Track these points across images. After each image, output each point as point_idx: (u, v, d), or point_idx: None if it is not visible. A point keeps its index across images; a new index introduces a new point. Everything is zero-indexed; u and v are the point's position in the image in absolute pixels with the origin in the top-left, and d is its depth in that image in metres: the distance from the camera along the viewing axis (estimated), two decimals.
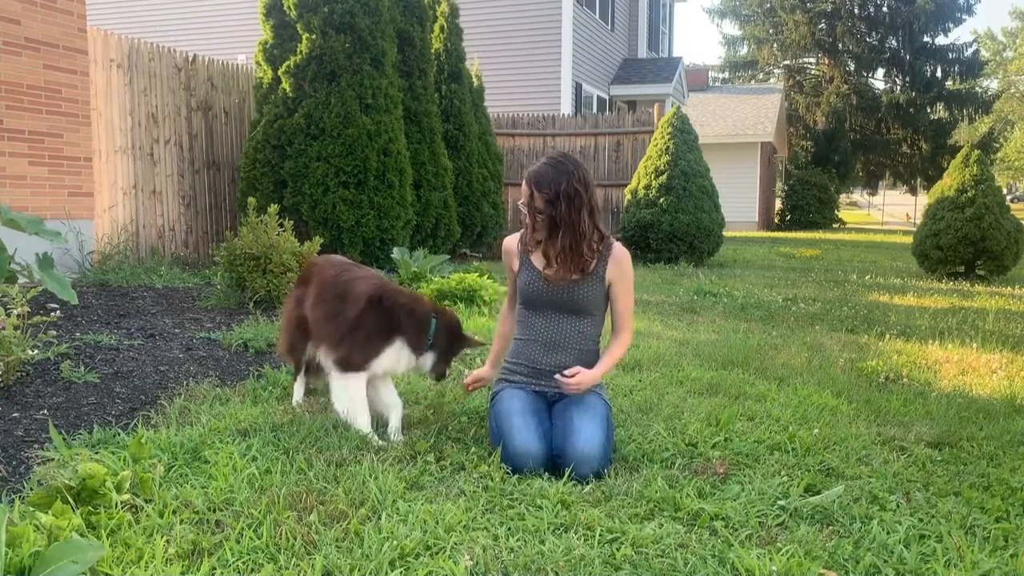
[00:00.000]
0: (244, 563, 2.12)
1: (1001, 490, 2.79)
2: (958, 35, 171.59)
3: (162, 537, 2.20)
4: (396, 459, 2.91)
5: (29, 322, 3.79)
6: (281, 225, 5.98)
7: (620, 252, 3.08)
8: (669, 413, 3.62)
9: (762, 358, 4.94)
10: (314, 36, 8.00)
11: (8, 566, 1.89)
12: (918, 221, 12.00)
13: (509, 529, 2.37)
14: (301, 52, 8.05)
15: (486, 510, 2.50)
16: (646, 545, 2.28)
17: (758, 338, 5.64)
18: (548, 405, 3.10)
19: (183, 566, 2.08)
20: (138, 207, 7.92)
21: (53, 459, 2.72)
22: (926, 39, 31.59)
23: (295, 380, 3.62)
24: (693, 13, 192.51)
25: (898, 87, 32.96)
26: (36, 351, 3.89)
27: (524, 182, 2.95)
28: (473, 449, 3.04)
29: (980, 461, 3.12)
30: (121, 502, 2.37)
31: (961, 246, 9.90)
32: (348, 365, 3.12)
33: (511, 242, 3.22)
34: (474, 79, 11.80)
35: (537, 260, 3.12)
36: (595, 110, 18.95)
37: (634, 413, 3.62)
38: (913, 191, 35.58)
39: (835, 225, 27.63)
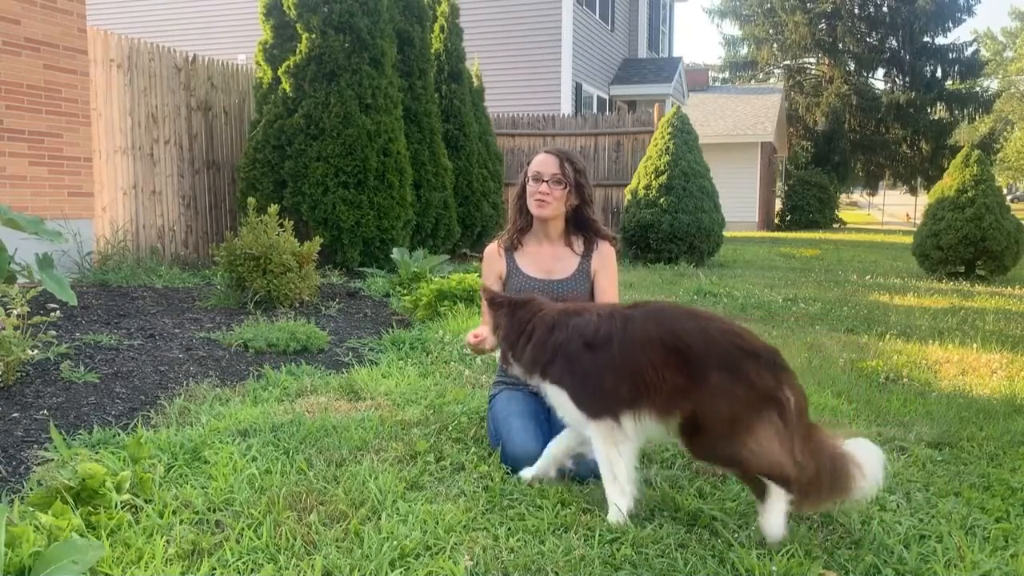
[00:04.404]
0: (244, 563, 2.12)
1: (1001, 490, 2.78)
2: (958, 35, 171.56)
3: (162, 537, 2.20)
4: (396, 459, 2.91)
5: (29, 322, 3.79)
6: (281, 225, 5.98)
7: (605, 245, 3.20)
8: None
9: None
10: (313, 36, 8.00)
11: (8, 566, 1.89)
12: (918, 221, 11.99)
13: (509, 529, 2.37)
14: (301, 52, 8.05)
15: (486, 510, 2.50)
16: (646, 545, 2.28)
17: None
18: (546, 406, 3.10)
19: (183, 566, 2.08)
20: (138, 207, 7.92)
21: (53, 459, 2.72)
22: (926, 39, 31.60)
23: None
24: (693, 13, 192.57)
25: (898, 87, 32.96)
26: (36, 351, 3.89)
27: (553, 157, 3.07)
28: (473, 449, 3.04)
29: (980, 461, 3.12)
30: (121, 502, 2.36)
31: (961, 246, 9.90)
32: None
33: (494, 249, 3.24)
34: (474, 79, 11.80)
35: (526, 263, 3.14)
36: (595, 110, 18.94)
37: None
38: (913, 191, 35.54)
39: (835, 225, 27.62)
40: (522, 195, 3.13)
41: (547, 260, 3.15)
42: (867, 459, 2.33)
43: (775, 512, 2.30)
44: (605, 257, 3.17)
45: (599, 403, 2.48)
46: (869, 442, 2.39)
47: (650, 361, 2.38)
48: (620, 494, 2.47)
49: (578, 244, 3.16)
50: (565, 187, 3.05)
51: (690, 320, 2.43)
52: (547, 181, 3.02)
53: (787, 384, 2.32)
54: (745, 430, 2.27)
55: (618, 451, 2.48)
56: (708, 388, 2.31)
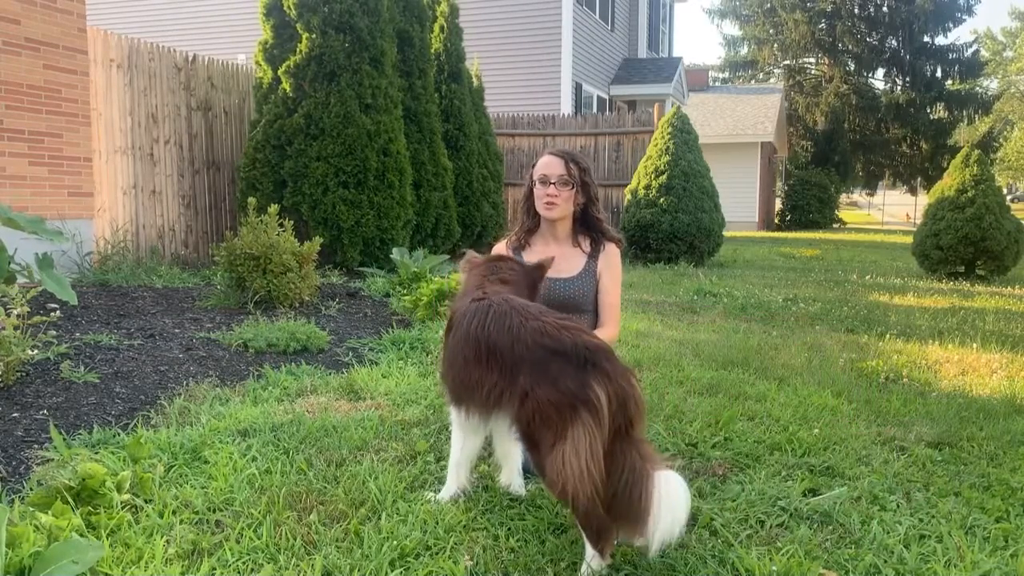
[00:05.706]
0: (244, 563, 2.12)
1: (1001, 490, 2.79)
2: (958, 35, 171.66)
3: (162, 537, 2.20)
4: (396, 459, 2.91)
5: (29, 322, 3.79)
6: (281, 225, 5.98)
7: (611, 246, 3.23)
8: (669, 413, 3.62)
9: (762, 358, 4.94)
10: (314, 36, 8.00)
11: (8, 566, 1.89)
12: (918, 221, 11.99)
13: (509, 529, 2.37)
14: (301, 52, 8.05)
15: (486, 510, 2.50)
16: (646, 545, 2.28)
17: (758, 338, 5.63)
18: None
19: (183, 566, 2.08)
20: (138, 207, 7.91)
21: (53, 459, 2.72)
22: (926, 39, 31.60)
23: None
24: (693, 13, 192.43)
25: (898, 87, 32.96)
26: (36, 351, 3.89)
27: (558, 159, 3.10)
28: None
29: (980, 461, 3.12)
30: (121, 502, 2.36)
31: (961, 246, 9.90)
32: None
33: (502, 248, 3.27)
34: (474, 79, 11.80)
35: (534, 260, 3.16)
36: (595, 110, 18.94)
37: None
38: (913, 191, 35.56)
39: (835, 225, 27.63)
40: (529, 197, 3.17)
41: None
42: (665, 504, 2.04)
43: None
44: (611, 258, 3.21)
45: (444, 389, 2.57)
46: (680, 488, 2.09)
47: (466, 359, 2.33)
48: (454, 478, 2.61)
49: (585, 244, 3.20)
50: (572, 188, 3.09)
51: (509, 318, 2.27)
52: (554, 183, 3.06)
53: (597, 384, 2.09)
54: (558, 438, 2.06)
55: (463, 439, 2.58)
56: (518, 391, 2.17)
